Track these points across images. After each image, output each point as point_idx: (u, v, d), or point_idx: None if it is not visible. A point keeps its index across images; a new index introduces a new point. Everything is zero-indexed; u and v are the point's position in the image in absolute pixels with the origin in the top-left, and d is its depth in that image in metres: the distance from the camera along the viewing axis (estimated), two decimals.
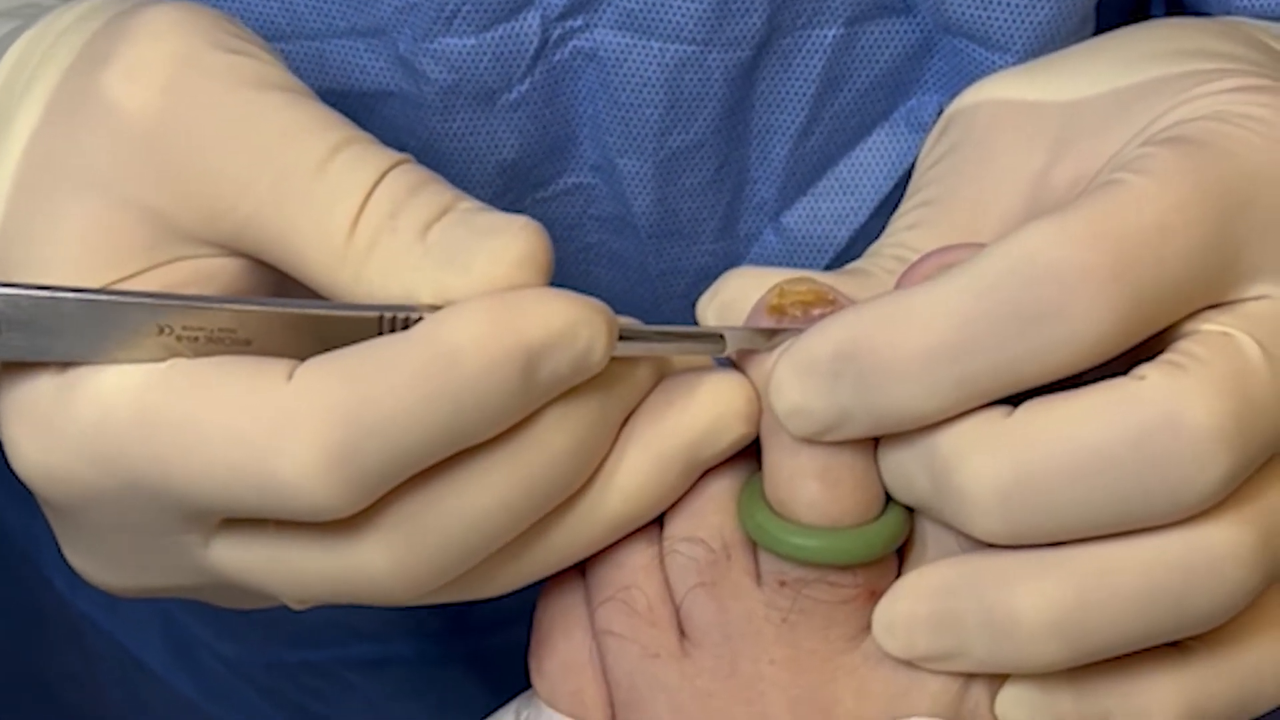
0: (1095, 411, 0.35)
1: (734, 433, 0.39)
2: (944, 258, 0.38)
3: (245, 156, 0.37)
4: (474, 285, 0.36)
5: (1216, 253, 0.36)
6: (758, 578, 0.39)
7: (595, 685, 0.40)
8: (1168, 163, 0.36)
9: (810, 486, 0.38)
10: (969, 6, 0.47)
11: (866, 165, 0.51)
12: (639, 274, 0.52)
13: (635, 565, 0.40)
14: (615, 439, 0.39)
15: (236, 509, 0.36)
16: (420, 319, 0.36)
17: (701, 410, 0.39)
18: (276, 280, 0.38)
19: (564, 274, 0.52)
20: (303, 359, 0.36)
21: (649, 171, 0.49)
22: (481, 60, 0.47)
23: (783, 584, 0.39)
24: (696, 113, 0.48)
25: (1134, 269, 0.35)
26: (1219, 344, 0.35)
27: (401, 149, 0.38)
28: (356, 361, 0.35)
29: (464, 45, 0.47)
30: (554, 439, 0.37)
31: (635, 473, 0.38)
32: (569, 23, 0.47)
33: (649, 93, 0.48)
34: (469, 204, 0.37)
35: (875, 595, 0.39)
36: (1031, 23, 0.47)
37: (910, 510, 0.39)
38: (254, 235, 0.37)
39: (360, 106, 0.48)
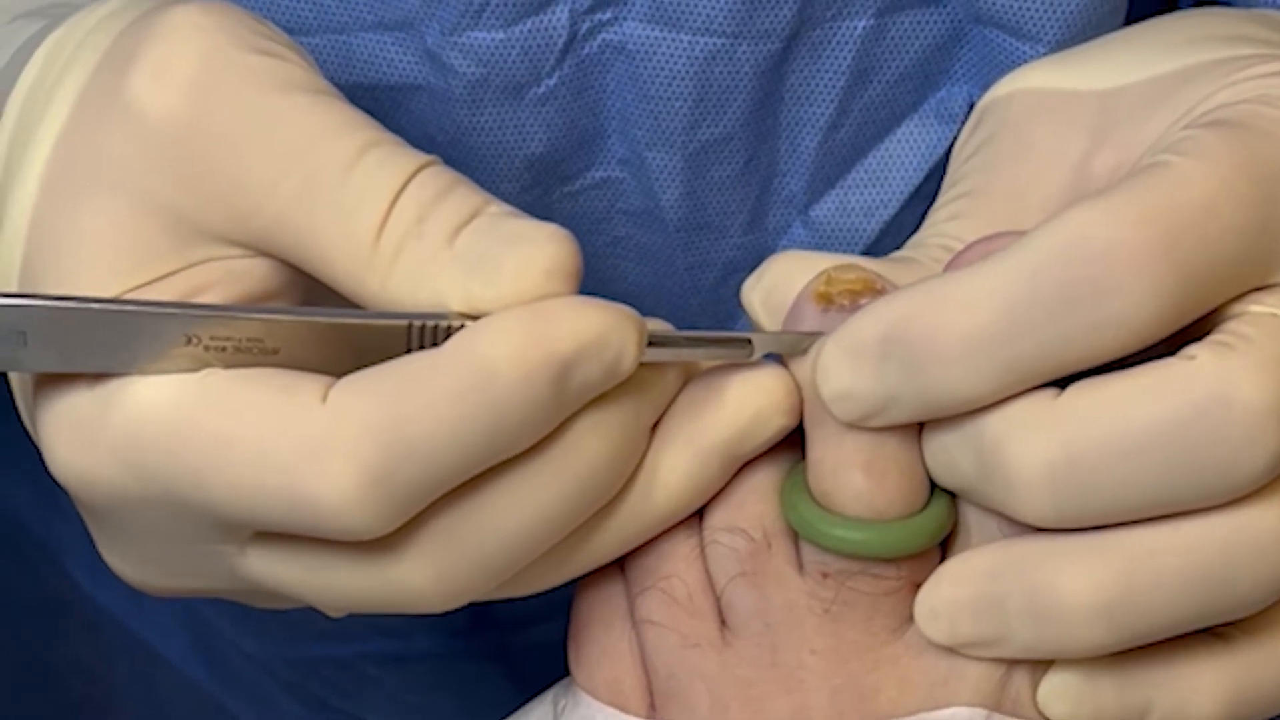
0: (1146, 391, 0.35)
1: (773, 426, 0.39)
2: (989, 246, 0.38)
3: (271, 159, 0.36)
4: (503, 295, 0.36)
5: (1262, 234, 0.36)
6: (800, 568, 0.39)
7: (634, 674, 0.40)
8: (1212, 144, 0.36)
9: (855, 478, 0.38)
10: None
11: (896, 157, 0.51)
12: (667, 268, 0.52)
13: (676, 555, 0.40)
14: (651, 439, 0.38)
15: (270, 527, 0.36)
16: (450, 327, 0.36)
17: (741, 405, 0.39)
18: (308, 279, 0.38)
19: (592, 268, 0.51)
20: (332, 368, 0.36)
21: (677, 165, 0.49)
22: (510, 54, 0.47)
23: (826, 575, 0.39)
24: (725, 106, 0.48)
25: (1182, 249, 0.35)
26: (1268, 325, 0.35)
27: (429, 143, 0.37)
28: (392, 381, 0.35)
29: (492, 39, 0.47)
30: (588, 445, 0.36)
31: (676, 470, 0.38)
32: (598, 16, 0.47)
33: (678, 86, 0.48)
34: (497, 208, 0.37)
35: (918, 587, 0.39)
36: (1063, 12, 0.47)
37: (954, 500, 0.39)
38: (280, 239, 0.37)
39: (387, 101, 0.48)
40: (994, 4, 0.47)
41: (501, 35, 0.47)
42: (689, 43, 0.47)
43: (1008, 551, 0.37)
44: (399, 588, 0.37)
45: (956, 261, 0.39)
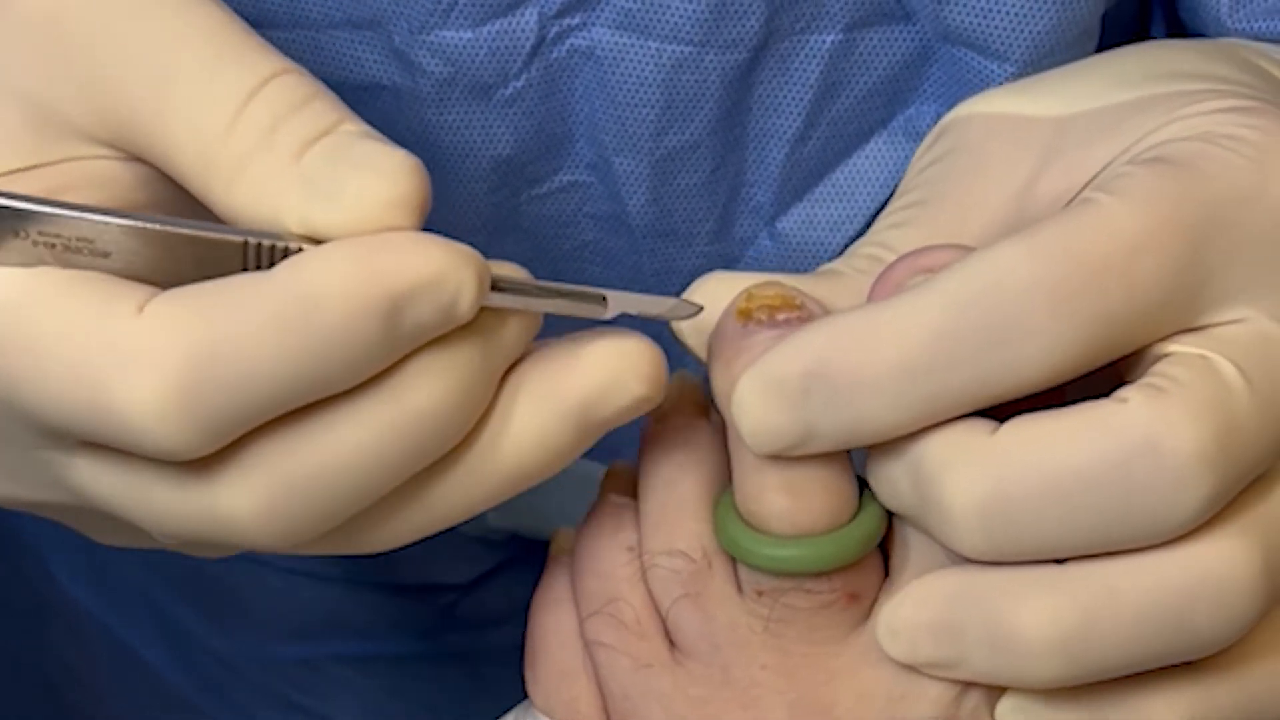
0: (1077, 433, 0.35)
1: (631, 393, 0.38)
2: (918, 261, 0.38)
3: (131, 53, 0.36)
4: (341, 222, 0.35)
5: (1190, 276, 0.36)
6: (739, 586, 0.40)
7: (590, 694, 0.40)
8: (1145, 184, 0.36)
9: (777, 500, 0.38)
10: (969, 15, 0.47)
11: (864, 173, 0.51)
12: (633, 273, 0.52)
13: (619, 578, 0.40)
14: (500, 391, 0.37)
15: (84, 436, 0.35)
16: (286, 249, 0.35)
17: (598, 367, 0.37)
18: (191, 201, 0.37)
19: (558, 271, 0.52)
20: (172, 280, 0.34)
21: (644, 171, 0.49)
22: (478, 54, 0.47)
23: (761, 594, 0.39)
24: (693, 114, 0.49)
25: (1101, 290, 0.35)
26: (1198, 367, 0.36)
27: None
28: (211, 299, 0.34)
29: (460, 38, 0.47)
30: (422, 387, 0.35)
31: (527, 427, 0.37)
32: (566, 20, 0.47)
33: (645, 92, 0.48)
34: (353, 127, 0.36)
35: (855, 597, 0.39)
36: (1031, 32, 0.47)
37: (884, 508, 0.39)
38: (136, 135, 0.36)
39: (354, 99, 0.48)
40: (962, 23, 0.47)
41: (469, 35, 0.47)
42: (657, 50, 0.47)
43: (969, 577, 0.37)
44: (218, 515, 0.36)
45: (885, 276, 0.39)
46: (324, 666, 0.65)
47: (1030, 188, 0.40)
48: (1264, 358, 0.36)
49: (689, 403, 0.43)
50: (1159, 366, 0.36)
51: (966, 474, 0.36)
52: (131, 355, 0.33)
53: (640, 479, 0.42)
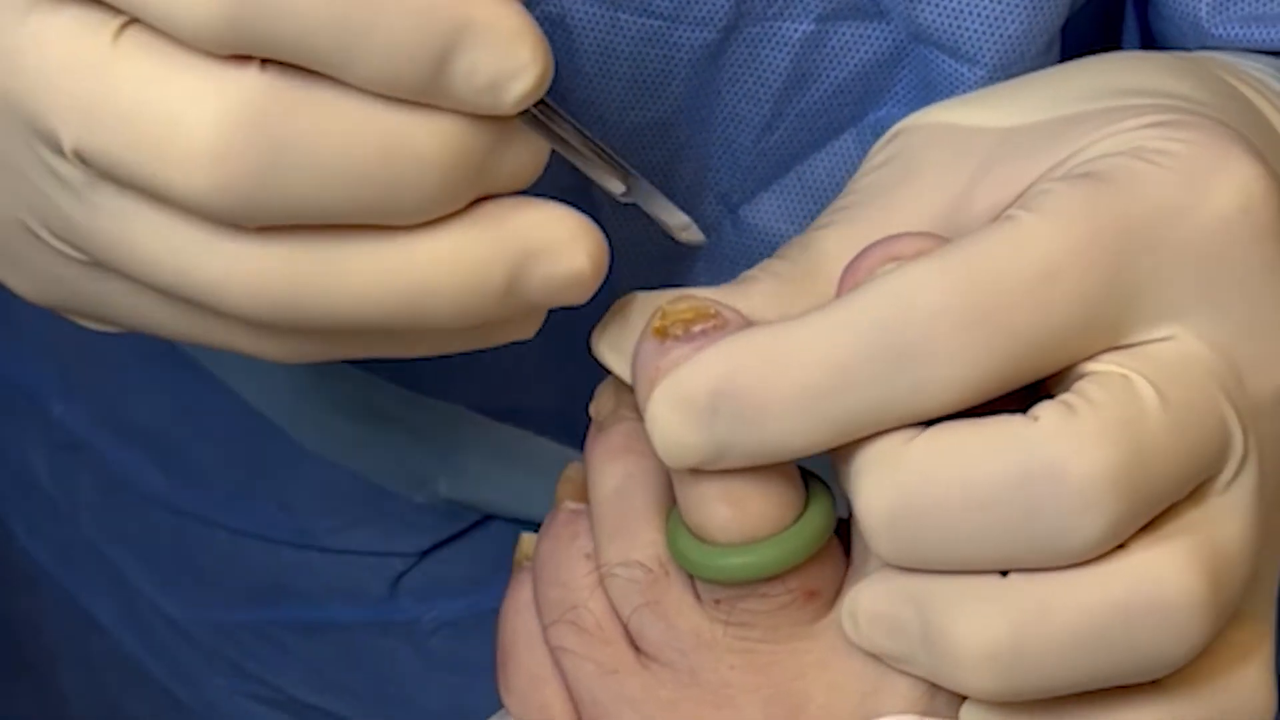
0: (984, 448, 0.35)
1: (573, 263, 0.37)
2: (890, 248, 0.38)
3: None
4: None
5: (1113, 295, 0.36)
6: (697, 595, 0.40)
7: (562, 698, 0.40)
8: (1068, 201, 0.36)
9: (717, 510, 0.38)
10: (941, 15, 0.47)
11: (831, 170, 0.51)
12: None
13: (578, 586, 0.40)
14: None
15: (114, 172, 0.35)
16: None
17: (555, 224, 0.37)
18: None
19: None
20: None
21: (610, 145, 0.50)
22: None
23: (718, 602, 0.39)
24: (661, 90, 0.49)
25: (1014, 313, 0.35)
26: (1116, 386, 0.35)
27: None
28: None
29: None
30: (424, 139, 0.35)
31: (460, 245, 0.36)
32: None
33: (614, 64, 0.48)
34: None
35: (813, 594, 0.39)
36: (1002, 36, 0.47)
37: (834, 500, 0.39)
38: None
39: None
40: (934, 23, 0.47)
41: None
42: (627, 22, 0.48)
43: (916, 583, 0.37)
44: (215, 274, 0.35)
45: (856, 263, 0.38)
46: (273, 633, 0.65)
47: (966, 198, 0.40)
48: (1186, 377, 0.36)
49: (633, 409, 0.43)
50: (1080, 384, 0.36)
51: (876, 481, 0.36)
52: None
53: (590, 489, 0.42)
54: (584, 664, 0.39)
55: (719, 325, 0.38)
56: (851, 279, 0.39)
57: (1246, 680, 0.38)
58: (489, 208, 0.36)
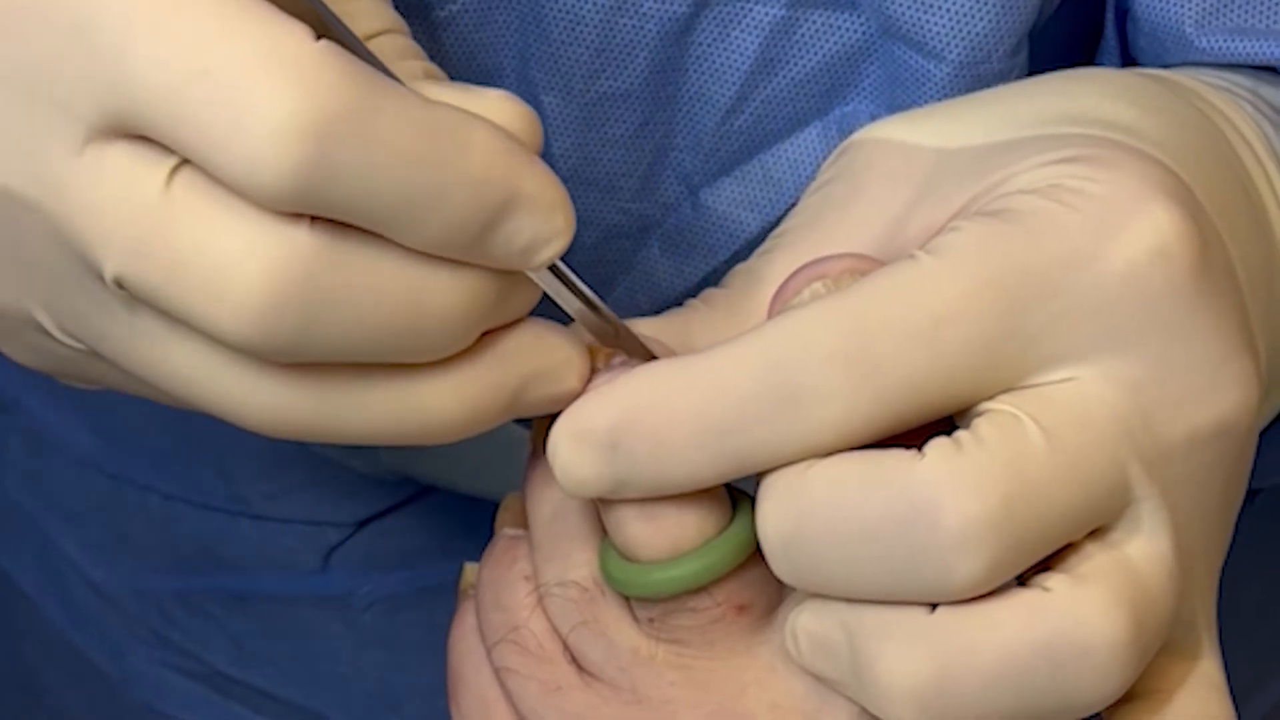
0: (870, 483, 0.36)
1: (566, 385, 0.39)
2: (815, 269, 0.39)
3: None
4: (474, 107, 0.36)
5: (1010, 339, 0.36)
6: (632, 613, 0.40)
7: (511, 718, 0.40)
8: (971, 243, 0.36)
9: (636, 528, 0.38)
10: (909, 8, 0.47)
11: (793, 161, 0.51)
12: None
13: (519, 606, 0.40)
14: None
15: (155, 304, 0.35)
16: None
17: (549, 351, 0.39)
18: None
19: None
20: None
21: (572, 113, 0.49)
22: None
23: (651, 620, 0.39)
24: (627, 60, 0.49)
25: (898, 358, 0.36)
26: (1006, 426, 0.36)
27: None
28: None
29: None
30: (441, 290, 0.36)
31: (467, 380, 0.38)
32: None
33: (581, 31, 0.48)
34: None
35: (744, 608, 0.39)
36: (970, 32, 0.47)
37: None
38: None
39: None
40: (903, 16, 0.47)
41: None
42: None
43: (845, 610, 0.37)
44: (240, 397, 0.36)
45: (786, 284, 0.39)
46: (199, 602, 0.64)
47: (903, 220, 0.40)
48: (1079, 419, 0.36)
49: None
50: (975, 422, 0.36)
51: (775, 505, 0.37)
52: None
53: (528, 514, 0.42)
54: (528, 683, 0.39)
55: (626, 363, 0.39)
56: (781, 300, 0.39)
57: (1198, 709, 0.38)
58: (492, 342, 0.38)
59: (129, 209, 0.34)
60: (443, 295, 0.36)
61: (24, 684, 0.69)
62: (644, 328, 0.41)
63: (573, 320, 0.39)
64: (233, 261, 0.34)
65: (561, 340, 0.39)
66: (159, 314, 0.36)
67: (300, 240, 0.34)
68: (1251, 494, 0.40)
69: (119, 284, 0.35)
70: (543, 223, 0.36)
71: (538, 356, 0.38)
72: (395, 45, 0.38)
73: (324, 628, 0.64)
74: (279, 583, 0.63)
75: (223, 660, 0.65)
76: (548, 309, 0.39)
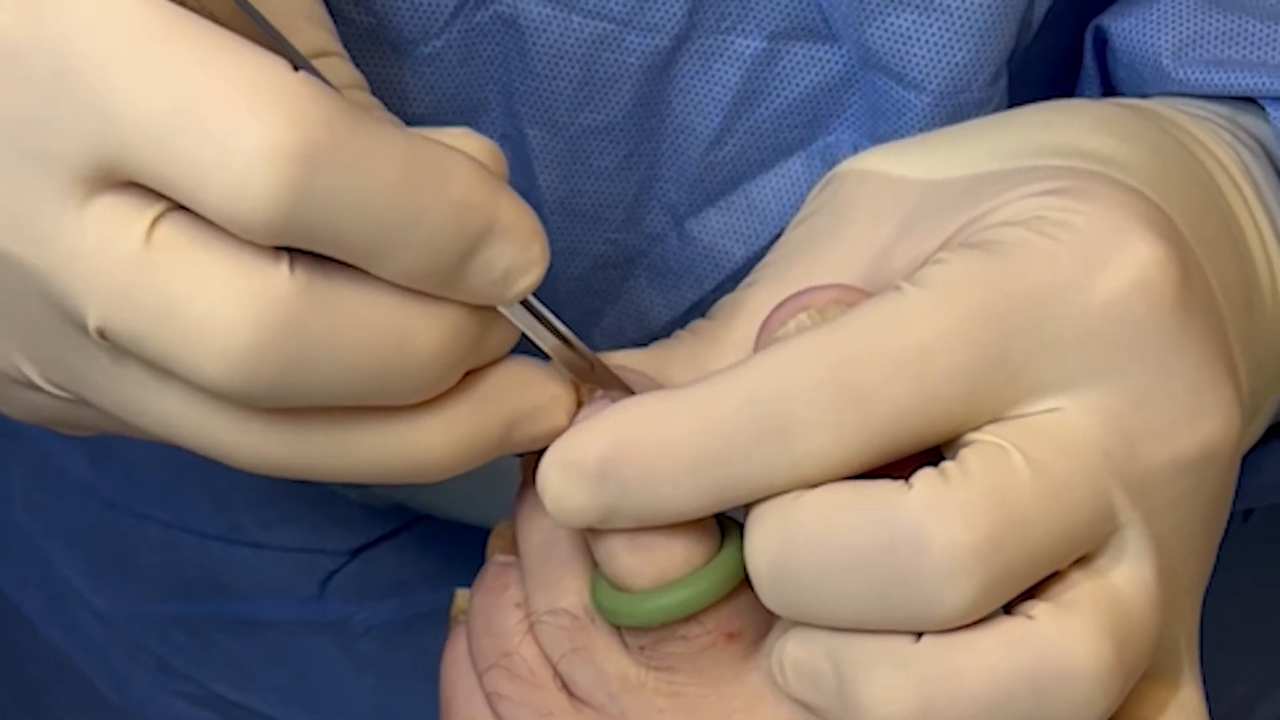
0: (858, 514, 0.36)
1: (554, 423, 0.39)
2: (801, 300, 0.39)
3: None
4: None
5: (996, 371, 0.36)
6: (623, 641, 0.40)
7: None
8: (957, 275, 0.37)
9: (625, 558, 0.39)
10: (889, 39, 0.47)
11: (778, 191, 0.52)
12: None
13: (510, 633, 0.41)
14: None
15: (138, 352, 0.35)
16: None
17: (543, 388, 0.39)
18: None
19: None
20: None
21: (558, 146, 0.50)
22: (401, 7, 0.48)
23: (642, 648, 0.40)
24: (610, 94, 0.49)
25: (884, 390, 0.36)
26: (991, 456, 0.36)
27: None
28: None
29: None
30: (423, 332, 0.36)
31: (454, 421, 0.38)
32: None
33: (565, 66, 0.49)
34: None
35: (733, 636, 0.39)
36: (949, 64, 0.47)
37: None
38: None
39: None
40: (882, 47, 0.48)
41: None
42: (580, 24, 0.48)
43: (831, 638, 0.37)
44: (228, 441, 0.37)
45: (773, 315, 0.39)
46: (200, 628, 0.65)
47: (888, 252, 0.40)
48: (1063, 449, 0.36)
49: None
50: (962, 452, 0.36)
51: (763, 534, 0.37)
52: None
53: (519, 542, 0.42)
54: (519, 709, 0.40)
55: (613, 397, 0.39)
56: (767, 332, 0.39)
57: None
58: (477, 381, 0.38)
59: (111, 260, 0.34)
60: (423, 333, 0.36)
61: (29, 707, 0.70)
62: (621, 359, 0.41)
63: (549, 358, 0.40)
64: (214, 310, 0.34)
65: (548, 377, 0.39)
66: (144, 363, 0.36)
67: (281, 284, 0.34)
68: (1246, 514, 0.41)
69: (102, 334, 0.35)
70: (520, 251, 0.36)
71: (525, 394, 0.39)
72: (337, 72, 0.38)
73: (322, 653, 0.64)
74: (278, 609, 0.64)
75: (224, 685, 0.65)
76: (523, 349, 0.39)
